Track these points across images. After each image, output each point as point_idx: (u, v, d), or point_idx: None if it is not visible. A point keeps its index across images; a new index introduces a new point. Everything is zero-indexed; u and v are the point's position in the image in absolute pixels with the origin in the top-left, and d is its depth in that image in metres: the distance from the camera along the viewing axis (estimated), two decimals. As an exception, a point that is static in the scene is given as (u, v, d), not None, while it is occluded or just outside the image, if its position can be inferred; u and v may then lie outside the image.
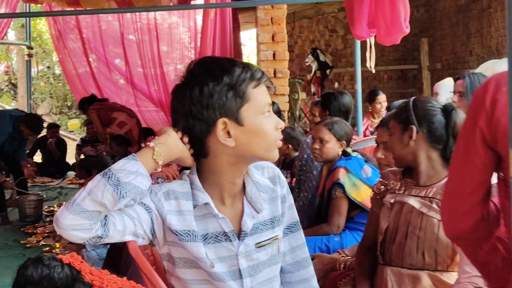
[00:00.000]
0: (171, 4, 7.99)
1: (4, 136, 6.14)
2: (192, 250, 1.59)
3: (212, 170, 1.62)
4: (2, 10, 10.43)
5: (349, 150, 3.48)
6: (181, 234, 1.60)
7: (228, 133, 1.55)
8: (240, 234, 1.65)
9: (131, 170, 1.48)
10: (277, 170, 1.78)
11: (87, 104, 8.27)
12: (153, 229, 1.62)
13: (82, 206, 1.44)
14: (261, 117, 1.56)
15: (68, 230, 1.46)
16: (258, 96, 1.56)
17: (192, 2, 8.22)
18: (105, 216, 1.52)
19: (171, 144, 1.56)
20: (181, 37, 9.75)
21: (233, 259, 1.64)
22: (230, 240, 1.63)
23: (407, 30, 3.58)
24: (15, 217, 6.33)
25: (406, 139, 2.30)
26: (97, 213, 1.46)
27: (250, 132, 1.55)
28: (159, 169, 1.54)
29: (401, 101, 5.40)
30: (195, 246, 1.59)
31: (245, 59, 10.93)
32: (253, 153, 1.58)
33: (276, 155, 1.61)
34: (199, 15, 8.82)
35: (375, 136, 3.53)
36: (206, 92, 1.52)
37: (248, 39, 17.19)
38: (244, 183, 1.69)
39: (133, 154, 1.52)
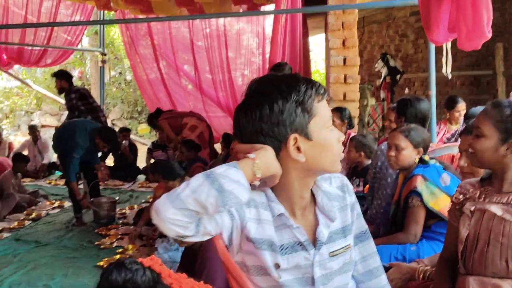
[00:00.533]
0: (241, 10, 8.07)
1: (82, 151, 6.34)
2: (267, 259, 1.62)
3: (281, 186, 1.65)
4: (78, 18, 10.84)
5: (426, 157, 3.38)
6: (258, 243, 1.62)
7: (298, 148, 1.58)
8: (315, 243, 1.67)
9: (233, 178, 1.47)
10: (345, 179, 1.80)
11: (154, 118, 8.53)
12: (231, 236, 1.63)
13: (185, 203, 1.44)
14: (326, 131, 1.60)
15: (166, 222, 1.46)
16: (323, 110, 1.60)
17: (262, 8, 8.26)
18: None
19: (270, 160, 1.56)
20: (248, 43, 9.82)
21: (308, 268, 1.66)
22: (306, 249, 1.65)
23: (489, 35, 3.43)
24: (89, 218, 6.53)
25: (503, 150, 2.21)
26: (196, 213, 1.46)
27: (318, 146, 1.59)
28: (257, 182, 1.53)
29: (479, 107, 5.22)
30: (270, 255, 1.62)
31: (312, 65, 10.86)
32: (321, 166, 1.62)
33: (339, 167, 1.65)
34: (268, 19, 8.85)
35: (454, 143, 3.42)
36: (276, 109, 1.54)
37: (315, 45, 17.11)
38: (312, 195, 1.72)
39: (235, 162, 1.52)
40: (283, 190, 1.65)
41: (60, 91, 8.59)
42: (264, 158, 1.54)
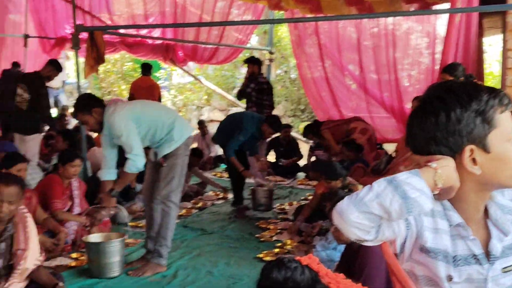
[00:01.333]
0: (412, 9, 7.82)
1: (247, 135, 6.62)
2: (440, 270, 1.57)
3: (456, 197, 1.57)
4: (248, 17, 11.25)
5: None
6: (434, 252, 1.57)
7: (474, 160, 1.51)
8: (488, 257, 1.58)
9: (417, 186, 1.44)
10: None
11: (315, 128, 8.66)
12: (404, 244, 1.61)
13: (369, 207, 1.44)
14: (508, 144, 1.51)
15: (349, 225, 1.47)
16: (505, 122, 1.51)
17: (434, 7, 7.95)
18: None
19: (451, 170, 1.50)
20: (417, 43, 9.49)
21: (481, 283, 1.57)
22: (480, 263, 1.57)
23: None
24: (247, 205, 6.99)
25: None
26: (379, 218, 1.46)
27: (496, 159, 1.51)
28: (436, 192, 1.47)
29: None
30: (444, 266, 1.57)
31: (486, 66, 10.22)
32: (498, 180, 1.53)
33: None
34: (440, 19, 8.49)
35: None
36: (453, 118, 1.49)
37: (489, 45, 16.10)
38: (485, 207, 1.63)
39: (416, 170, 1.48)
40: (458, 201, 1.58)
41: (250, 77, 9.11)
42: (446, 168, 1.49)
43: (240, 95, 9.50)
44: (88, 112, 4.50)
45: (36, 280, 3.71)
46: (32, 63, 11.34)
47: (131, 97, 10.04)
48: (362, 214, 1.44)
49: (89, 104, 4.54)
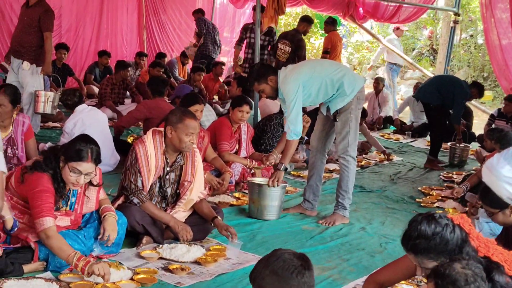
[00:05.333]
0: None
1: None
2: None
3: None
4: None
5: None
6: None
7: None
8: None
9: None
10: None
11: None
12: None
13: None
14: None
15: (500, 179, 1.41)
16: None
17: None
18: None
19: None
20: None
21: None
22: None
23: None
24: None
25: None
26: None
27: None
28: None
29: None
30: None
31: None
32: None
33: None
34: None
35: None
36: None
37: None
38: None
39: None
40: None
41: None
42: None
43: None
44: (264, 81, 4.61)
45: (198, 212, 3.99)
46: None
47: (326, 52, 9.91)
48: None
49: (264, 73, 4.64)
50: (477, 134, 9.22)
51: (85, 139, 3.31)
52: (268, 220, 4.61)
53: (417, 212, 5.10)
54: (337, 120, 4.63)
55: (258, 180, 4.87)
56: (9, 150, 4.38)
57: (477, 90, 7.72)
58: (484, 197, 2.85)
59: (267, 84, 4.60)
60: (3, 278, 2.97)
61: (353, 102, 4.58)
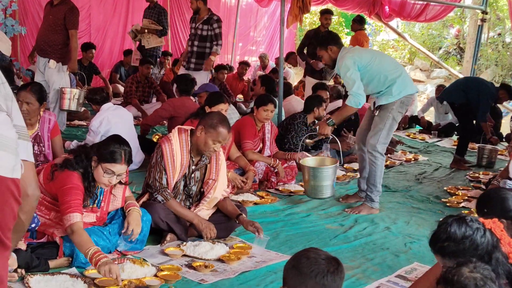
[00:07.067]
0: None
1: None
2: None
3: None
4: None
5: None
6: None
7: None
8: None
9: None
10: None
11: None
12: None
13: None
14: None
15: None
16: None
17: None
18: None
19: None
20: None
21: None
22: None
23: None
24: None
25: None
26: None
27: None
28: None
29: None
30: None
31: None
32: None
33: None
34: None
35: None
36: None
37: None
38: None
39: None
40: None
41: None
42: None
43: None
44: (324, 47, 4.82)
45: (221, 210, 4.00)
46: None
47: None
48: None
49: (327, 40, 4.86)
50: (504, 134, 9.09)
51: (118, 140, 3.34)
52: (324, 198, 4.86)
53: (443, 212, 5.12)
54: (376, 115, 4.79)
55: (310, 161, 4.97)
56: (35, 148, 4.42)
57: (505, 91, 7.60)
58: None
59: (327, 52, 4.83)
60: (29, 274, 3.00)
61: (396, 103, 4.72)
